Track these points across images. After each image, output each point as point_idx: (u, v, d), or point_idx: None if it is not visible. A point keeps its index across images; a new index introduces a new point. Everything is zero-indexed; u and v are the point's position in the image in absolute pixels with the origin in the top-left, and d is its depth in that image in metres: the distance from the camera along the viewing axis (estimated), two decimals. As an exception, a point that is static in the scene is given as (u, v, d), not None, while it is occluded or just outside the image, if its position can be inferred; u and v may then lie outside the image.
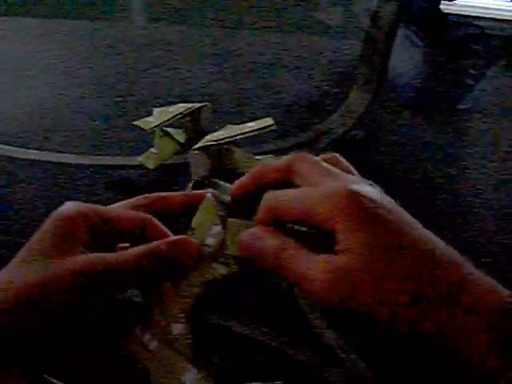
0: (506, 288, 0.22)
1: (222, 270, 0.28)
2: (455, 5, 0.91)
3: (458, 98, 0.80)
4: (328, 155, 0.29)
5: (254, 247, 0.25)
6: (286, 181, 0.27)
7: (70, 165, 0.63)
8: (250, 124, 0.52)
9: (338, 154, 0.29)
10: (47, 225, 0.26)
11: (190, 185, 0.42)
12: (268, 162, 0.56)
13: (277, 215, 0.26)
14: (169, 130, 0.58)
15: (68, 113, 0.74)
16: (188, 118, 0.56)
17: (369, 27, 0.67)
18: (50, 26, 0.99)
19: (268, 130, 0.51)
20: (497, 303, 0.21)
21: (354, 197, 0.23)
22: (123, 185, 0.61)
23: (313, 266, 0.23)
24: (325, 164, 0.27)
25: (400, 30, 0.72)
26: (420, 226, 0.24)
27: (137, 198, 0.30)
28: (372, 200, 0.24)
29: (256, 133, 0.51)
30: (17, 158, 0.64)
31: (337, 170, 0.27)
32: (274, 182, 0.28)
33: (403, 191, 0.59)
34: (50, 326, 0.24)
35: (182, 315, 0.27)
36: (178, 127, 0.58)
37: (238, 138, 0.50)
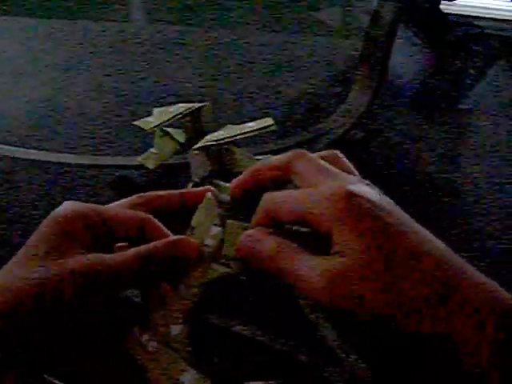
0: (506, 288, 0.22)
1: (221, 270, 0.28)
2: (455, 5, 0.91)
3: (458, 97, 0.80)
4: (328, 152, 0.29)
5: (252, 249, 0.25)
6: (284, 178, 0.27)
7: (69, 165, 0.63)
8: (250, 124, 0.52)
9: (337, 151, 0.29)
10: (46, 225, 0.26)
11: (190, 185, 0.42)
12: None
13: (274, 217, 0.26)
14: (169, 129, 0.58)
15: (68, 113, 0.74)
16: (188, 118, 0.56)
17: (369, 27, 0.67)
18: (50, 26, 0.99)
19: (268, 129, 0.51)
20: (496, 304, 0.21)
21: (351, 198, 0.23)
22: (123, 185, 0.61)
23: (310, 268, 0.23)
24: (323, 162, 0.27)
25: (400, 30, 0.72)
26: (418, 226, 0.24)
27: (133, 196, 0.30)
28: (369, 201, 0.24)
29: (256, 133, 0.51)
30: (17, 158, 0.64)
31: (335, 170, 0.26)
32: (272, 179, 0.28)
33: (403, 191, 0.59)
34: (48, 326, 0.24)
35: (180, 316, 0.27)
36: (178, 127, 0.58)
37: (237, 137, 0.50)
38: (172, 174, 0.61)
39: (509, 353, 0.20)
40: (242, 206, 0.29)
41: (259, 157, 0.57)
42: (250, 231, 0.26)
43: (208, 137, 0.53)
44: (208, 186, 0.31)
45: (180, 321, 0.27)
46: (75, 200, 0.28)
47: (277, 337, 0.40)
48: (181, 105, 0.57)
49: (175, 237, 0.28)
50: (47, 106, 0.75)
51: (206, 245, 0.28)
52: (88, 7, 1.11)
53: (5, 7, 1.08)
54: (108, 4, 1.13)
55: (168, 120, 0.55)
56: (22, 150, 0.65)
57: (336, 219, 0.23)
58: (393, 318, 0.22)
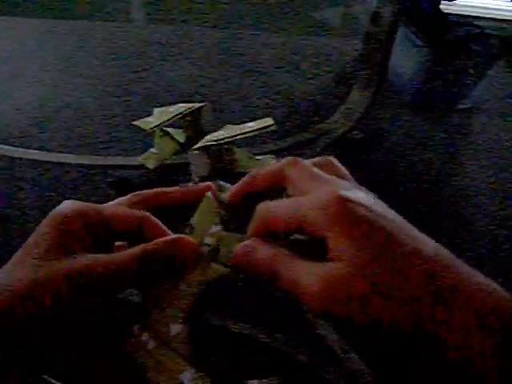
0: (506, 288, 0.22)
1: (221, 270, 0.28)
2: (455, 5, 0.91)
3: (458, 97, 0.80)
4: (322, 159, 0.28)
5: (248, 258, 0.25)
6: (278, 186, 0.27)
7: (70, 165, 0.63)
8: (250, 124, 0.52)
9: (332, 158, 0.29)
10: (45, 224, 0.26)
11: (190, 185, 0.42)
12: (267, 162, 0.56)
13: (269, 227, 0.26)
14: (169, 130, 0.58)
15: (68, 113, 0.74)
16: (188, 118, 0.56)
17: (369, 27, 0.67)
18: (50, 26, 0.99)
19: (268, 129, 0.51)
20: (495, 304, 0.21)
21: (344, 203, 0.23)
22: (123, 185, 0.61)
23: (306, 274, 0.23)
24: (316, 169, 0.27)
25: (400, 30, 0.72)
26: (414, 229, 0.24)
27: (131, 194, 0.30)
28: (362, 205, 0.23)
29: (256, 133, 0.51)
30: (17, 158, 0.64)
31: (328, 176, 0.26)
32: (266, 187, 0.28)
33: (403, 191, 0.59)
34: (48, 326, 0.24)
35: (180, 315, 0.27)
36: (178, 127, 0.58)
37: (237, 137, 0.50)
38: (172, 173, 0.61)
39: (509, 353, 0.20)
40: (239, 215, 0.29)
41: (259, 157, 0.57)
42: (245, 241, 0.26)
43: (208, 137, 0.53)
44: (208, 183, 0.31)
45: (180, 320, 0.27)
46: (75, 200, 0.28)
47: (277, 336, 0.40)
48: (181, 105, 0.57)
49: (174, 236, 0.28)
50: (47, 106, 0.75)
51: (205, 244, 0.28)
52: (88, 7, 1.11)
53: (5, 7, 1.08)
54: (108, 4, 1.14)
55: (168, 120, 0.55)
56: (21, 149, 0.65)
57: (330, 225, 0.23)
58: (391, 320, 0.22)
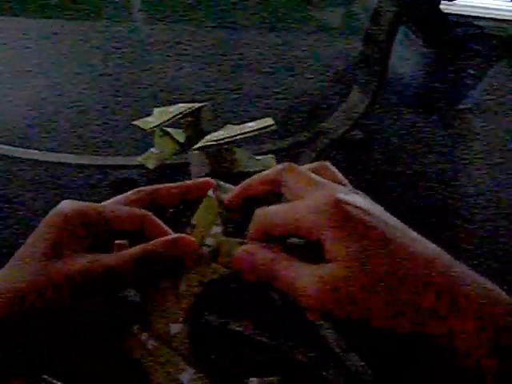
0: (506, 289, 0.22)
1: (221, 270, 0.28)
2: (455, 5, 0.91)
3: (458, 97, 0.80)
4: (317, 164, 0.29)
5: (247, 262, 0.26)
6: (274, 191, 0.28)
7: (70, 165, 0.63)
8: (250, 124, 0.52)
9: (327, 163, 0.29)
10: (44, 224, 0.26)
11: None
12: (267, 162, 0.56)
13: (267, 231, 0.26)
14: (169, 130, 0.58)
15: (68, 113, 0.74)
16: (188, 118, 0.56)
17: (369, 27, 0.67)
18: (50, 26, 0.99)
19: (268, 129, 0.51)
20: (495, 305, 0.21)
21: (341, 205, 0.24)
22: (123, 185, 0.61)
23: (304, 276, 0.23)
24: (312, 174, 0.27)
25: (400, 30, 0.72)
26: (410, 231, 0.24)
27: (130, 192, 0.30)
28: (358, 207, 0.24)
29: (256, 133, 0.51)
30: (17, 158, 0.64)
31: (324, 180, 0.27)
32: (263, 193, 0.28)
33: (403, 191, 0.59)
34: (48, 326, 0.24)
35: (180, 315, 0.27)
36: (178, 127, 0.58)
37: (237, 137, 0.50)
38: (172, 173, 0.61)
39: (508, 354, 0.20)
40: (238, 218, 0.30)
41: (259, 157, 0.57)
42: (244, 246, 0.26)
43: (208, 137, 0.53)
44: (207, 178, 0.31)
45: (180, 320, 0.27)
46: (75, 200, 0.27)
47: (277, 336, 0.40)
48: (181, 105, 0.57)
49: (175, 235, 0.28)
50: (47, 106, 0.75)
51: (206, 244, 0.28)
52: (88, 7, 1.11)
53: (4, 7, 1.08)
54: (108, 4, 1.14)
55: (168, 120, 0.55)
56: (21, 149, 0.65)
57: (326, 227, 0.23)
58: (389, 320, 0.22)
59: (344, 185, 0.28)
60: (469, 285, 0.22)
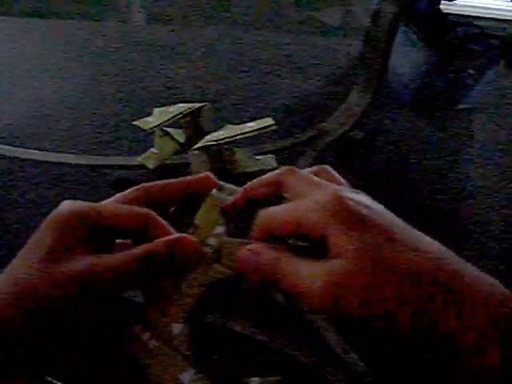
0: (507, 286, 0.22)
1: (223, 271, 0.28)
2: (455, 5, 0.91)
3: (458, 97, 0.80)
4: (317, 167, 0.30)
5: (251, 262, 0.26)
6: (276, 194, 0.28)
7: (70, 165, 0.63)
8: (250, 124, 0.52)
9: (327, 166, 0.30)
10: (45, 225, 0.26)
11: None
12: (267, 162, 0.56)
13: (270, 232, 0.26)
14: (169, 130, 0.58)
15: (68, 113, 0.74)
16: (188, 118, 0.57)
17: (369, 27, 0.67)
18: (50, 26, 0.99)
19: (268, 129, 0.51)
20: (496, 302, 0.21)
21: (343, 201, 0.24)
22: (123, 185, 0.60)
23: (308, 273, 0.23)
24: (312, 176, 0.28)
25: (400, 30, 0.72)
26: (411, 228, 0.24)
27: (130, 189, 0.30)
28: (360, 203, 0.24)
29: (256, 133, 0.51)
30: (17, 158, 0.64)
31: (325, 182, 0.27)
32: (264, 196, 0.29)
33: (403, 191, 0.59)
34: (49, 327, 0.24)
35: (181, 315, 0.27)
36: (178, 127, 0.58)
37: (237, 137, 0.50)
38: (172, 173, 0.61)
39: (509, 352, 0.20)
40: (241, 220, 0.30)
41: (259, 157, 0.57)
42: (248, 246, 0.27)
43: (208, 137, 0.53)
44: (207, 173, 0.31)
45: (181, 320, 0.27)
46: (75, 200, 0.27)
47: (277, 336, 0.40)
48: (181, 105, 0.57)
49: (177, 235, 0.27)
50: (47, 106, 0.75)
51: (208, 244, 0.28)
52: (88, 7, 1.11)
53: (4, 7, 1.08)
54: (108, 4, 1.14)
55: (168, 120, 0.55)
56: (21, 149, 0.65)
57: (330, 223, 0.23)
58: (392, 317, 0.22)
59: (344, 186, 0.28)
60: (475, 283, 0.22)
